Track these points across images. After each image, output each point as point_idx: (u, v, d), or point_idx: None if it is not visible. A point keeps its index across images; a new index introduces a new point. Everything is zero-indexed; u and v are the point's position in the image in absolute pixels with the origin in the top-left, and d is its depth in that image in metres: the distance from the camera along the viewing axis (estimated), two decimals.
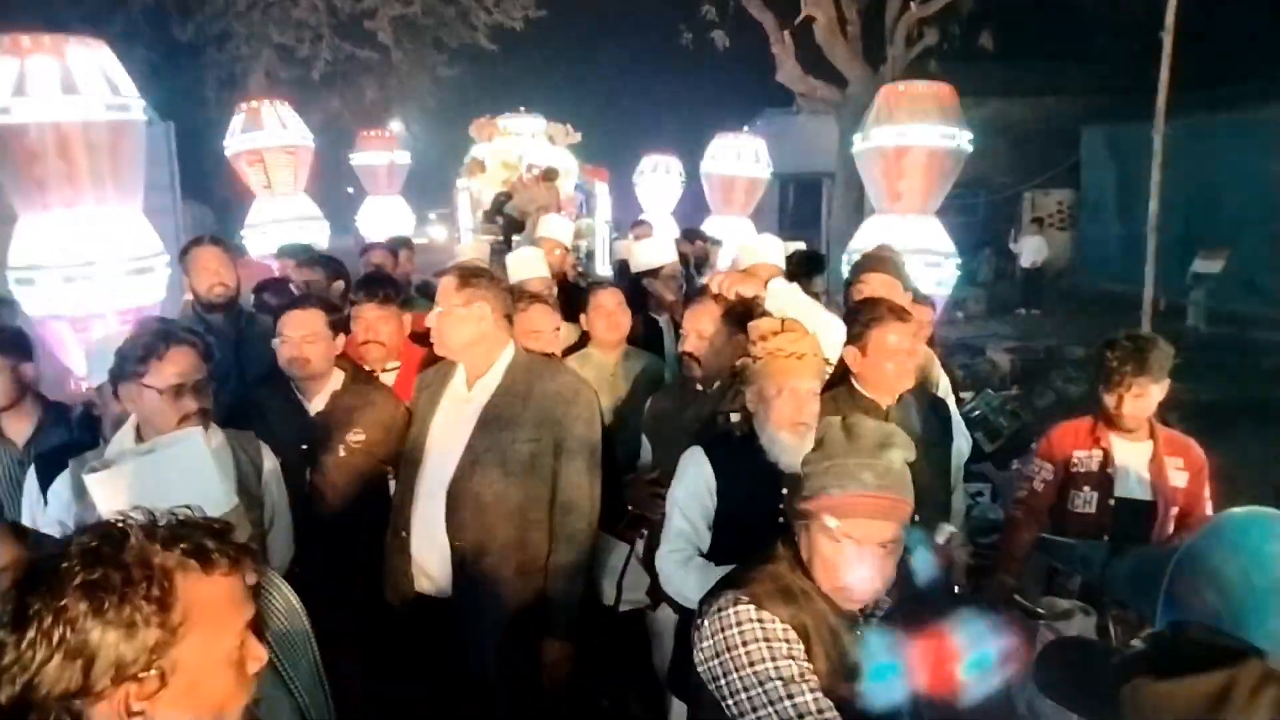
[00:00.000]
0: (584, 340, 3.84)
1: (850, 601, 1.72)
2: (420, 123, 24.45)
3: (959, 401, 4.10)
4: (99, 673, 0.92)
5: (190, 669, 0.96)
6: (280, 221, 8.64)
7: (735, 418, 2.51)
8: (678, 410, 3.03)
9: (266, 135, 8.72)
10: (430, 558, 2.72)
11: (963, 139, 7.03)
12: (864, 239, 7.08)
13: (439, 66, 19.21)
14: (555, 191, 10.79)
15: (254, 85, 16.07)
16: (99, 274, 4.68)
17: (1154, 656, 1.38)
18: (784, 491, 2.24)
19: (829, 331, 2.76)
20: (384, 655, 2.79)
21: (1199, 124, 14.36)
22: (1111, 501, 3.06)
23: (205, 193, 14.82)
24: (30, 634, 0.92)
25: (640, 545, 3.07)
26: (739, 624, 1.68)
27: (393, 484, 2.94)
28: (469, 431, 2.70)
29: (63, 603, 0.92)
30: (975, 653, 1.79)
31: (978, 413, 5.05)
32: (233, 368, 3.67)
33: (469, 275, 2.75)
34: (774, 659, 1.65)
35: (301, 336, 2.91)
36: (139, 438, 2.35)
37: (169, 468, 1.50)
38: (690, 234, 8.05)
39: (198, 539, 1.00)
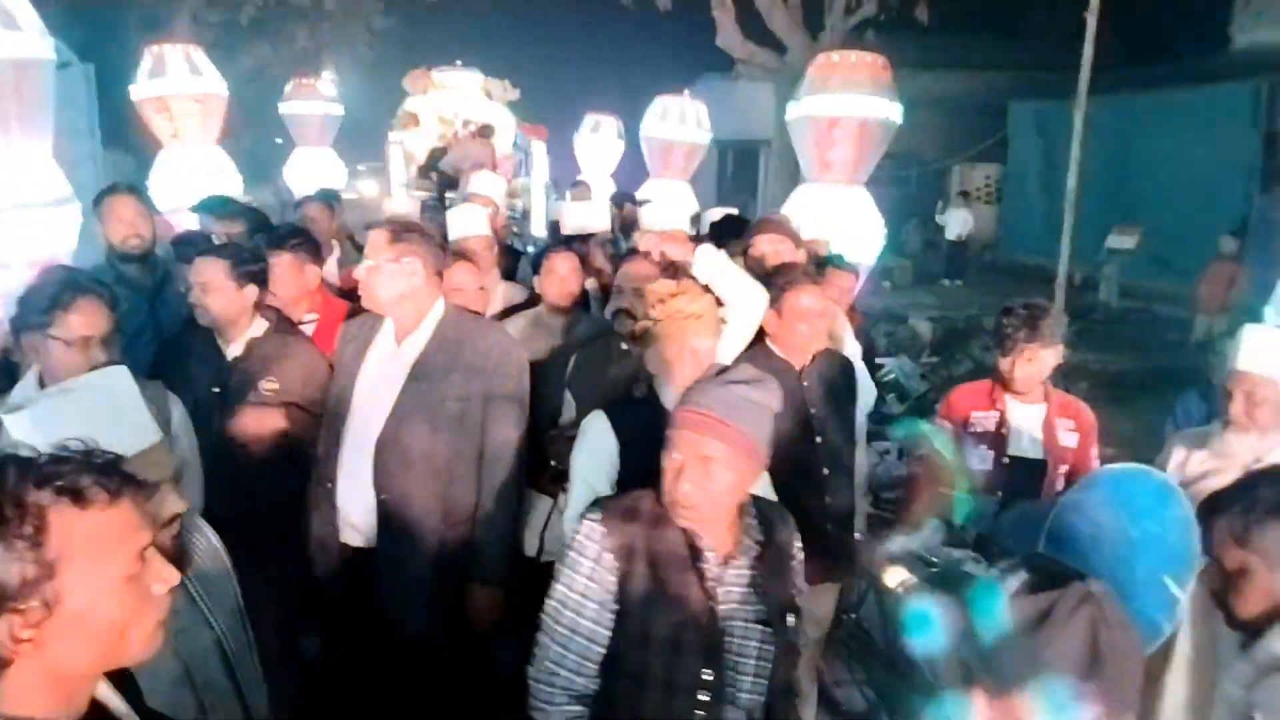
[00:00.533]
0: (532, 301, 3.87)
1: (680, 517, 1.83)
2: (354, 73, 23.82)
3: (877, 367, 4.28)
4: None
5: (76, 598, 1.02)
6: (190, 173, 8.12)
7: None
8: (601, 367, 3.10)
9: (172, 82, 8.16)
10: (356, 508, 2.77)
11: (894, 111, 7.16)
12: (793, 207, 7.20)
13: (374, 16, 18.77)
14: (491, 149, 10.70)
15: (180, 28, 15.50)
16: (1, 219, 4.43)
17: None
18: None
19: (753, 297, 2.87)
20: (303, 604, 2.85)
21: (1120, 103, 14.83)
22: (1005, 460, 3.20)
23: (127, 140, 14.24)
24: None
25: (563, 499, 3.16)
26: (577, 539, 1.89)
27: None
28: (398, 387, 2.73)
29: None
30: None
31: (891, 376, 5.25)
32: (148, 319, 3.63)
33: (400, 230, 2.76)
34: (572, 574, 1.86)
35: (200, 284, 2.92)
36: (41, 387, 2.31)
37: (93, 403, 1.52)
38: (620, 197, 8.07)
39: (73, 476, 1.05)
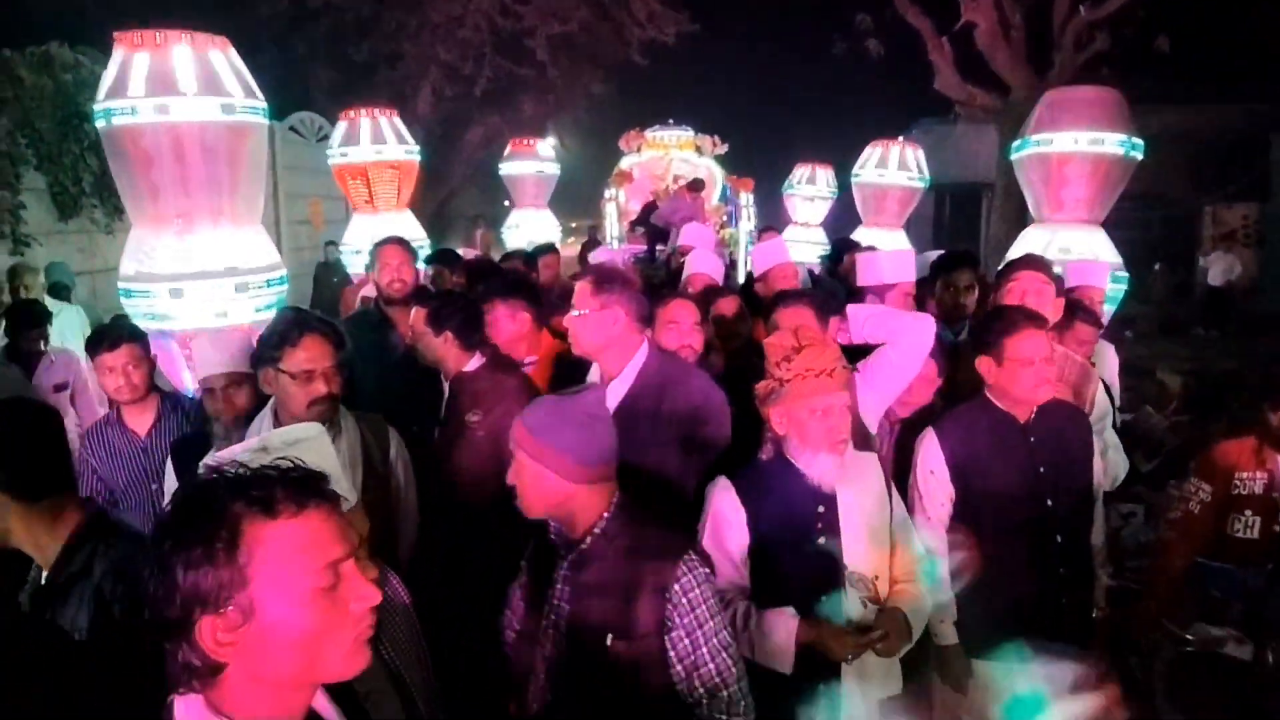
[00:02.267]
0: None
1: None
2: (574, 137, 25.10)
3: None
4: (188, 605, 1.07)
5: (270, 604, 1.08)
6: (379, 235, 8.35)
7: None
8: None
9: (366, 150, 8.27)
10: None
11: (1132, 146, 6.63)
12: (1024, 248, 6.76)
13: (593, 83, 19.64)
14: (701, 202, 10.87)
15: (422, 102, 16.89)
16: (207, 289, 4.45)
17: None
18: (820, 511, 2.30)
19: (914, 333, 2.78)
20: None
21: None
22: (1277, 527, 2.86)
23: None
24: (149, 574, 1.09)
25: None
26: None
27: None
28: None
29: (162, 544, 1.09)
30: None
31: (1137, 430, 4.74)
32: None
33: (603, 279, 2.83)
34: None
35: (412, 329, 3.35)
36: (276, 421, 2.56)
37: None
38: (843, 244, 7.72)
39: (266, 488, 1.12)
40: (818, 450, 2.26)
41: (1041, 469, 2.63)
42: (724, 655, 1.93)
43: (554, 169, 12.90)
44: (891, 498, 2.44)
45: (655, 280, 6.57)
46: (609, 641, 1.88)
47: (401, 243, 4.32)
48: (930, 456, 2.67)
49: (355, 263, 8.42)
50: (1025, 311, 2.71)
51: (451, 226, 17.17)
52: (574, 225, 25.56)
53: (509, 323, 3.63)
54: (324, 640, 1.12)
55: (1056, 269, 3.63)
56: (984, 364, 2.67)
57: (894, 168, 10.39)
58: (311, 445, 1.64)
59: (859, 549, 2.32)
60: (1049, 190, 6.79)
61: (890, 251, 4.08)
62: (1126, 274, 6.74)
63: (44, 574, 1.83)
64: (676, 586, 1.89)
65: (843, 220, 11.47)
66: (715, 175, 12.16)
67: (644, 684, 1.91)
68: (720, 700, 1.92)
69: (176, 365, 4.44)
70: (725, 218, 11.80)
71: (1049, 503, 2.62)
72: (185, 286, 4.38)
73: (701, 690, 1.92)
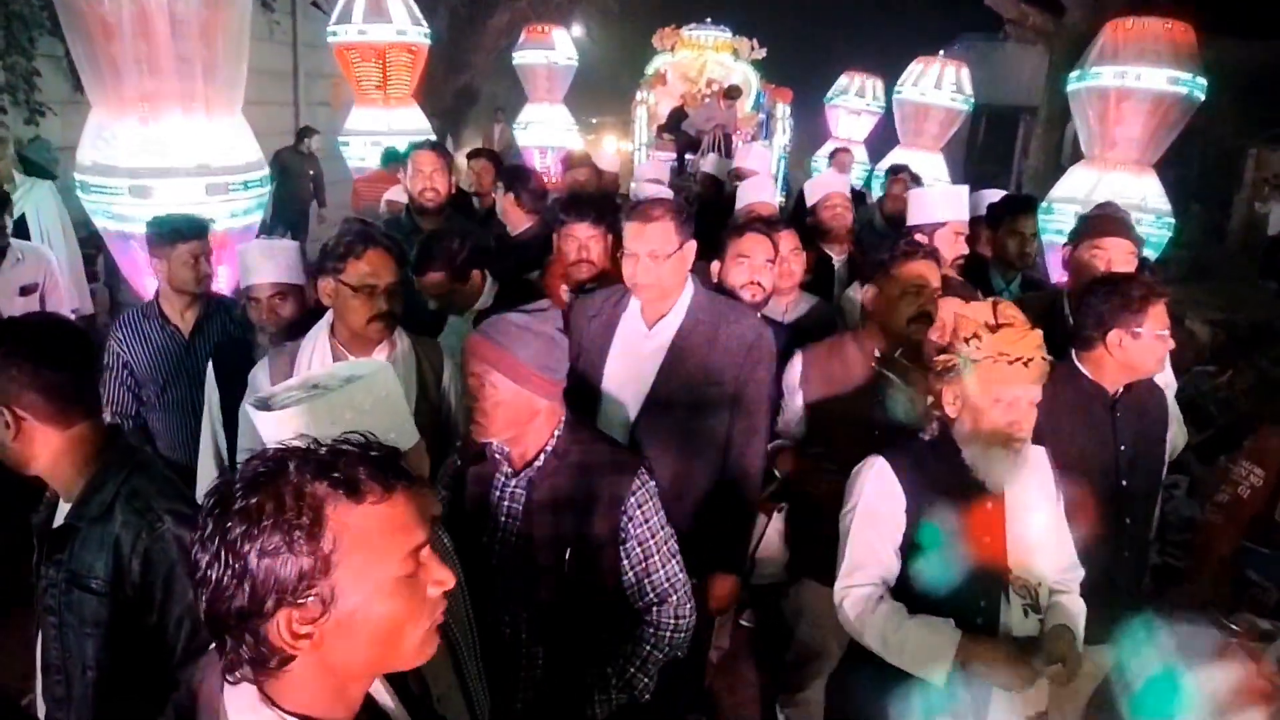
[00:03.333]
0: None
1: (475, 433, 2.03)
2: (604, 29, 24.19)
3: None
4: (261, 594, 0.97)
5: (351, 595, 1.00)
6: (391, 133, 7.70)
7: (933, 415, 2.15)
8: (839, 372, 2.82)
9: (387, 29, 7.57)
10: None
11: (1197, 86, 6.31)
12: (1070, 188, 6.53)
13: None
14: (734, 111, 10.49)
15: None
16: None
17: None
18: (988, 508, 2.04)
19: None
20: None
21: None
22: None
23: None
24: (207, 553, 0.99)
25: (777, 519, 3.00)
26: None
27: None
28: (654, 369, 2.64)
29: (226, 525, 0.98)
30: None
31: (1185, 395, 4.61)
32: None
33: (684, 217, 2.66)
34: None
35: None
36: (332, 334, 2.51)
37: (352, 407, 1.47)
38: (896, 170, 7.26)
39: (350, 469, 1.02)
40: (991, 444, 2.00)
41: (1123, 446, 2.52)
42: (673, 563, 2.10)
43: (570, 60, 12.11)
44: (1060, 498, 2.21)
45: (688, 195, 6.35)
46: (567, 555, 2.00)
47: (437, 148, 4.16)
48: None
49: (355, 157, 8.06)
50: (1144, 283, 2.51)
51: (469, 117, 16.58)
52: (594, 120, 24.69)
53: (593, 247, 3.32)
54: (403, 630, 1.05)
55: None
56: (1115, 337, 2.46)
57: (938, 86, 10.00)
58: (369, 383, 1.54)
59: (1025, 554, 2.09)
60: (1104, 127, 6.52)
61: (943, 188, 3.87)
62: (1174, 220, 6.53)
63: (60, 505, 1.75)
64: (631, 499, 2.03)
65: (879, 140, 11.10)
66: (751, 81, 11.69)
67: (598, 592, 2.05)
68: (669, 605, 2.09)
69: (140, 271, 4.14)
70: (758, 128, 11.39)
71: (1124, 482, 2.53)
72: (152, 185, 3.92)
73: (652, 595, 2.09)
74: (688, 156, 9.94)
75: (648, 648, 2.10)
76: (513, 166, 4.65)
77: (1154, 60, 6.24)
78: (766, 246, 3.09)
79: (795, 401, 2.89)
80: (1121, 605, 2.42)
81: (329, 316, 2.57)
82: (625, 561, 2.06)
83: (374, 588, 1.01)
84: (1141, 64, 6.25)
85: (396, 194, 4.80)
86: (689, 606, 2.13)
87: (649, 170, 6.06)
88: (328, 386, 1.51)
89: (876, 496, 2.10)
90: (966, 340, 2.01)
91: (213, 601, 0.99)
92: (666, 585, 2.09)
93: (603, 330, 2.75)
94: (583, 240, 3.24)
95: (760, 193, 4.44)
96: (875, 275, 2.77)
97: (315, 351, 2.50)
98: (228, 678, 1.03)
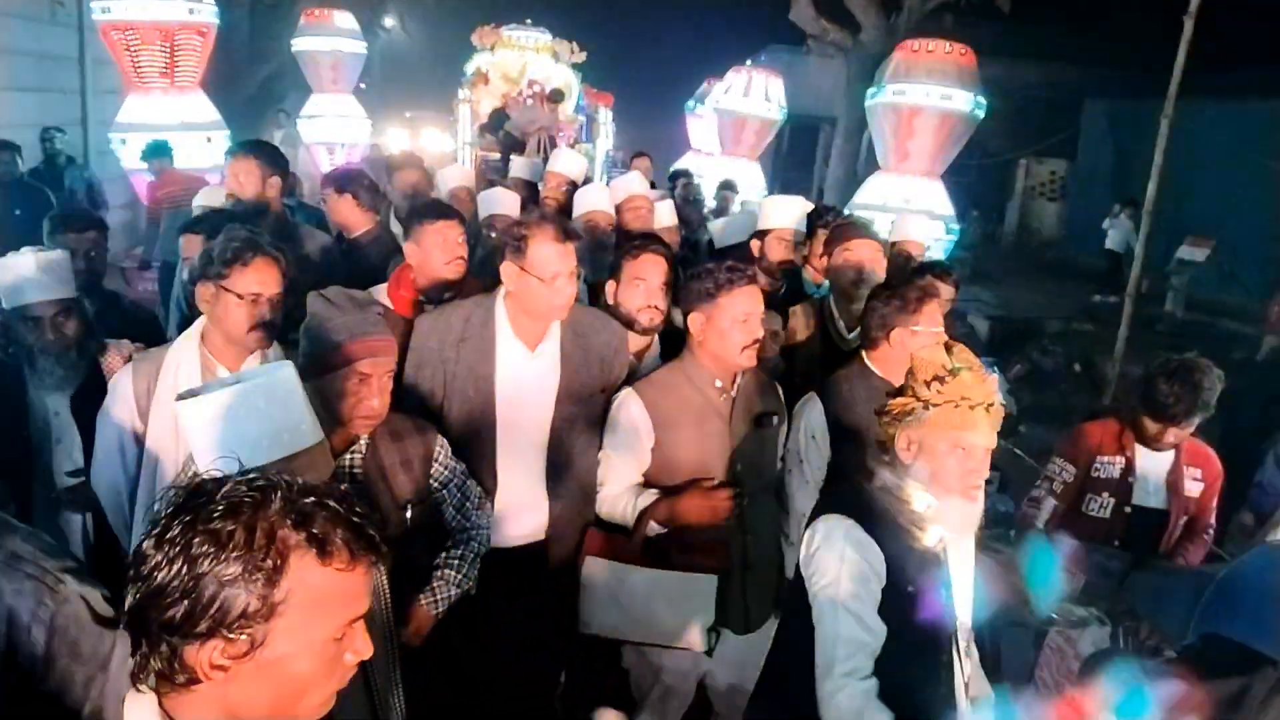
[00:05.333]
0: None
1: (366, 427, 2.19)
2: (421, 24, 23.67)
3: None
4: (197, 616, 0.97)
5: (279, 645, 1.01)
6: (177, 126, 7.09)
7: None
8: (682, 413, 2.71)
9: (176, 6, 6.87)
10: (518, 511, 2.73)
11: (978, 105, 7.02)
12: (870, 195, 7.09)
13: None
14: (557, 113, 10.60)
15: None
16: None
17: (1187, 664, 1.47)
18: (940, 557, 1.94)
19: None
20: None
21: (1200, 109, 14.32)
22: (1127, 509, 3.08)
23: None
24: (161, 554, 0.98)
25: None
26: None
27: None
28: (554, 385, 2.69)
29: (193, 539, 0.97)
30: None
31: None
32: None
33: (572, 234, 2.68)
34: None
35: None
36: (203, 340, 2.43)
37: (262, 400, 1.51)
38: (725, 185, 7.46)
39: (327, 527, 1.03)
40: (948, 492, 1.88)
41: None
42: (468, 483, 2.46)
43: (357, 46, 11.09)
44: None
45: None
46: (409, 512, 2.24)
47: (258, 151, 3.85)
48: (814, 421, 2.76)
49: (128, 155, 7.11)
50: (919, 286, 2.79)
51: (267, 113, 15.45)
52: (408, 115, 23.83)
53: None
54: (308, 690, 1.06)
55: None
56: (898, 335, 2.70)
57: (755, 96, 10.44)
58: (281, 376, 1.60)
59: (968, 605, 2.03)
60: (897, 141, 7.13)
61: (784, 197, 4.12)
62: (959, 226, 7.23)
63: None
64: (439, 451, 2.35)
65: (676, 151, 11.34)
66: (572, 84, 11.83)
67: (429, 534, 2.38)
68: (481, 516, 2.49)
69: None
70: (579, 131, 11.53)
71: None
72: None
73: (465, 520, 2.46)
74: (512, 157, 9.97)
75: (476, 545, 2.46)
76: (340, 170, 4.36)
77: (940, 79, 6.90)
78: (663, 268, 2.93)
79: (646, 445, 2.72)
80: None
81: (199, 324, 2.47)
82: (448, 504, 2.41)
83: (304, 645, 1.03)
84: (930, 82, 6.89)
85: (212, 197, 4.24)
86: (488, 504, 2.56)
87: (453, 176, 5.35)
88: (244, 379, 1.56)
89: (861, 559, 1.88)
90: (926, 384, 1.89)
91: (146, 603, 0.98)
92: (469, 504, 2.46)
93: (479, 356, 2.66)
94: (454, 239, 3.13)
95: (597, 200, 4.28)
96: (699, 303, 2.63)
97: (183, 361, 2.41)
98: (137, 685, 1.02)
